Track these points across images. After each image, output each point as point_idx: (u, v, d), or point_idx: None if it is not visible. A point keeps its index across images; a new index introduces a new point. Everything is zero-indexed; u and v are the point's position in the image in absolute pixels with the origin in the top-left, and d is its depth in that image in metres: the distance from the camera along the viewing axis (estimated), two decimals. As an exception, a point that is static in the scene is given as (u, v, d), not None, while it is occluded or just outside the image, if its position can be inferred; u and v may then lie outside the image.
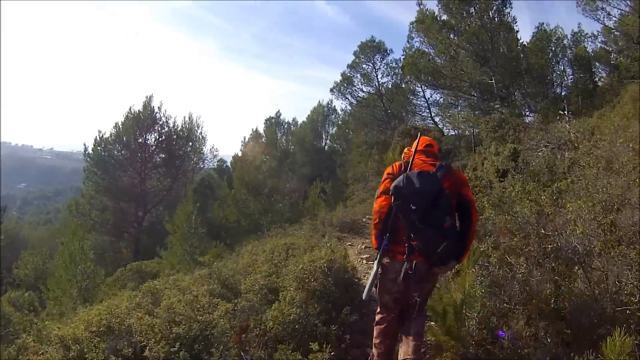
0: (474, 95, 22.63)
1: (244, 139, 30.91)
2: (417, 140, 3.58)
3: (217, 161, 31.83)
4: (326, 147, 34.26)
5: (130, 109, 27.80)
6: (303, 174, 30.48)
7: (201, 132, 30.50)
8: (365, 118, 28.82)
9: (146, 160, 28.13)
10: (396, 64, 27.47)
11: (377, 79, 28.17)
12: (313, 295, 4.54)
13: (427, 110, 26.86)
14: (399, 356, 3.19)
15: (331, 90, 29.25)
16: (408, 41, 24.21)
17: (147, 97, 28.58)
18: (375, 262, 3.27)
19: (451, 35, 21.59)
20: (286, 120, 35.58)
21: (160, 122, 28.68)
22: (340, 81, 28.74)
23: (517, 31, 21.40)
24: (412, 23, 23.70)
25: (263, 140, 32.80)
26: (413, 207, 3.04)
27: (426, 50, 23.43)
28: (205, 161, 31.84)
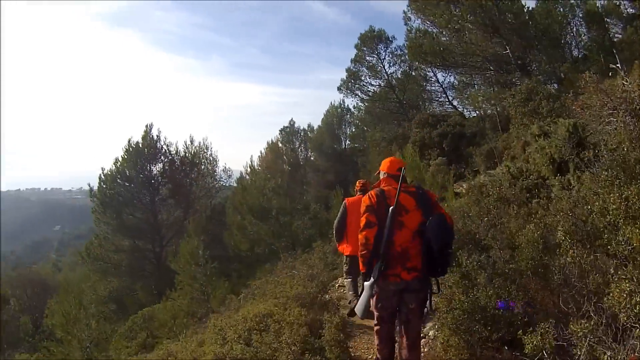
0: (490, 69, 20.42)
1: (260, 153, 28.82)
2: (391, 166, 3.90)
3: (236, 180, 29.93)
4: (347, 148, 32.42)
5: (129, 141, 26.25)
6: (328, 180, 28.52)
7: (211, 154, 28.80)
8: (380, 112, 27.41)
9: (153, 193, 26.45)
10: (401, 51, 25.97)
11: (385, 69, 26.67)
12: None
13: (444, 95, 25.41)
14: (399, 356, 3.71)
15: (339, 88, 27.63)
16: (406, 23, 22.03)
17: (147, 126, 27.08)
18: (369, 284, 3.56)
19: (452, 9, 19.27)
20: (302, 128, 33.74)
21: (163, 151, 27.13)
22: (347, 77, 27.12)
23: (520, -3, 19.35)
24: (408, 6, 21.50)
25: (282, 150, 31.14)
26: (450, 250, 3.57)
27: (428, 29, 21.21)
28: (221, 182, 30.14)
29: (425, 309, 3.75)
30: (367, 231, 3.53)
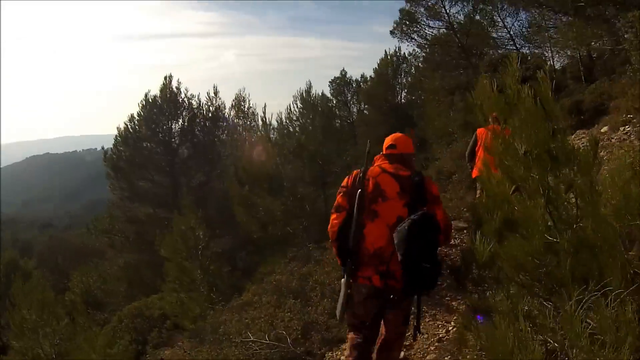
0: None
1: (288, 107, 24.76)
2: (385, 142, 3.25)
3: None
4: (402, 101, 28.54)
5: (146, 96, 23.25)
6: (379, 135, 24.39)
7: (249, 106, 25.32)
8: (439, 59, 23.82)
9: (172, 154, 23.32)
10: (466, -14, 22.26)
11: (446, 10, 22.29)
12: None
13: (511, 42, 21.69)
14: None
15: (392, 32, 23.46)
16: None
17: (165, 78, 23.91)
18: (343, 281, 3.01)
19: None
20: (354, 79, 30.36)
21: (184, 106, 24.07)
22: (400, 19, 22.87)
23: None
24: None
25: (333, 103, 28.07)
26: (427, 265, 2.75)
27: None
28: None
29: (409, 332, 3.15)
30: (335, 215, 3.03)
